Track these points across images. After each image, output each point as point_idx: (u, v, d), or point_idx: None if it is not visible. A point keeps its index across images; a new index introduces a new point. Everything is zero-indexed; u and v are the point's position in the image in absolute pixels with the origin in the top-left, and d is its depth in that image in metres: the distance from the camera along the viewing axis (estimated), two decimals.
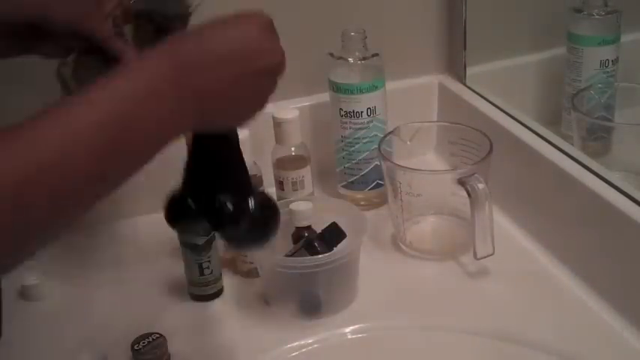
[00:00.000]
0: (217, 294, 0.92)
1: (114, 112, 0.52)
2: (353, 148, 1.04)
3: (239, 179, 0.64)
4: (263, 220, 0.64)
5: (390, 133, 1.01)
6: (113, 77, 0.54)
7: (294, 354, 0.83)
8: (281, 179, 0.99)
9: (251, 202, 0.63)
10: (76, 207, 0.53)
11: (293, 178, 0.98)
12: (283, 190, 0.99)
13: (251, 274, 0.94)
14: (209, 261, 0.90)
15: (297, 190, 0.98)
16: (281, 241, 0.90)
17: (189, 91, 0.56)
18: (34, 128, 0.50)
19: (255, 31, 0.61)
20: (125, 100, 0.53)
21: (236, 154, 0.64)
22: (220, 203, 0.61)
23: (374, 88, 1.01)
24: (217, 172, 0.62)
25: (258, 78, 0.61)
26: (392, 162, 0.95)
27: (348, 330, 0.86)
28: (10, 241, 0.49)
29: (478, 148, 0.94)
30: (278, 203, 0.68)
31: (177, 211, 0.63)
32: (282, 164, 0.98)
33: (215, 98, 0.58)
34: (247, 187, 0.65)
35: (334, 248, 0.87)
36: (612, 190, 0.85)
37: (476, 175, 0.89)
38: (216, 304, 0.92)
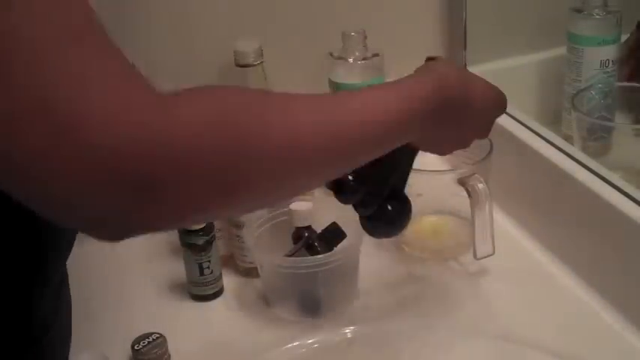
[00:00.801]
0: (217, 294, 0.92)
1: (399, 109, 0.62)
2: None
3: (400, 187, 0.77)
4: (400, 221, 0.78)
5: None
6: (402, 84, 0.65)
7: (294, 354, 0.83)
8: None
9: (400, 206, 0.77)
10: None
11: None
12: None
13: (251, 274, 0.94)
14: (209, 261, 0.90)
15: None
16: (281, 241, 0.90)
17: (437, 121, 0.66)
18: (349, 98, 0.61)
19: (495, 99, 0.74)
20: (405, 101, 0.63)
21: (409, 167, 0.76)
22: (384, 205, 0.75)
23: None
24: (389, 174, 0.74)
25: (481, 127, 0.74)
26: None
27: (348, 330, 0.86)
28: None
29: (478, 148, 0.94)
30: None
31: (341, 186, 0.72)
32: None
33: (444, 122, 0.67)
34: (401, 194, 0.77)
35: (334, 248, 0.87)
36: (612, 190, 0.85)
37: (476, 175, 0.89)
38: (216, 304, 0.92)
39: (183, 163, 0.47)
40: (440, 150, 0.75)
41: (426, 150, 0.74)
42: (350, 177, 0.71)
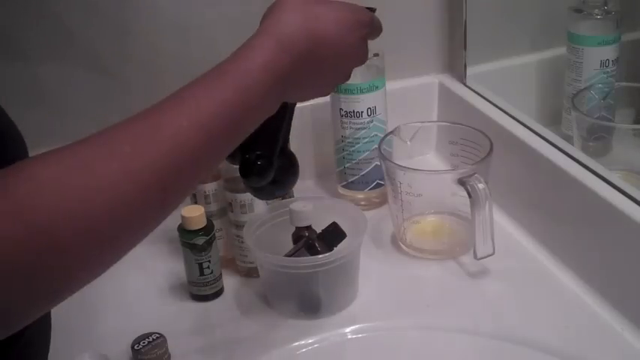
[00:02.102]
0: (217, 294, 0.92)
1: (239, 87, 0.59)
2: (353, 148, 1.04)
3: (274, 140, 0.72)
4: (283, 176, 0.73)
5: (390, 133, 1.01)
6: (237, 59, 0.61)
7: (294, 354, 0.83)
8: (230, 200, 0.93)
9: (276, 161, 0.71)
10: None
11: (242, 201, 0.92)
12: (232, 211, 0.93)
13: (251, 274, 0.94)
14: (209, 261, 0.90)
15: (245, 212, 0.92)
16: (281, 241, 0.90)
17: (287, 72, 0.62)
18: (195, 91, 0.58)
19: (355, 23, 0.68)
20: (244, 80, 0.60)
21: (284, 122, 0.72)
22: (252, 158, 0.70)
23: (374, 88, 1.01)
24: (264, 132, 0.67)
25: (352, 55, 0.70)
26: (392, 162, 0.95)
27: (348, 330, 0.86)
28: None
29: (478, 148, 0.94)
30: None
31: (231, 158, 0.70)
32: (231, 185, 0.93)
33: (303, 77, 0.64)
34: (277, 148, 0.72)
35: (334, 248, 0.87)
36: (612, 190, 0.85)
37: (476, 175, 0.89)
38: (216, 304, 0.92)
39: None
40: (315, 94, 0.71)
41: (301, 101, 0.71)
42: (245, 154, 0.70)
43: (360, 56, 0.71)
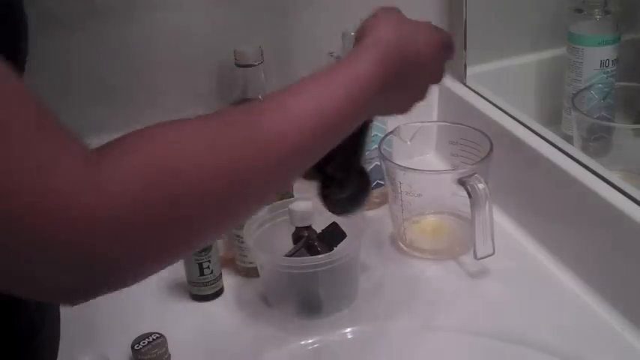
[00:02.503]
0: (217, 294, 0.92)
1: (351, 97, 0.62)
2: None
3: (353, 154, 0.74)
4: (363, 195, 0.75)
5: (390, 133, 1.01)
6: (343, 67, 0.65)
7: (294, 354, 0.83)
8: None
9: (361, 181, 0.75)
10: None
11: None
12: None
13: (251, 274, 0.94)
14: (209, 261, 0.90)
15: None
16: (281, 241, 0.90)
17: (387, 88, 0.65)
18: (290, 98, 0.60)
19: (438, 44, 0.72)
20: (360, 87, 0.63)
21: (363, 137, 0.74)
22: (330, 171, 0.72)
23: None
24: (343, 146, 0.69)
25: (422, 85, 0.73)
26: (392, 162, 0.95)
27: (348, 330, 0.86)
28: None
29: (478, 148, 0.94)
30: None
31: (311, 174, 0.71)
32: None
33: (392, 93, 0.67)
34: (356, 162, 0.75)
35: (334, 248, 0.87)
36: (612, 190, 0.85)
37: (476, 175, 0.89)
38: (216, 304, 0.92)
39: (121, 233, 0.48)
40: (395, 111, 0.74)
41: (381, 115, 0.75)
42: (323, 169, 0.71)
43: (437, 76, 0.74)
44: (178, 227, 0.51)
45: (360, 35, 0.70)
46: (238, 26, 1.04)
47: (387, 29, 0.68)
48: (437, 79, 0.74)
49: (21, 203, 0.45)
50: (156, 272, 0.57)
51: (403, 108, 0.74)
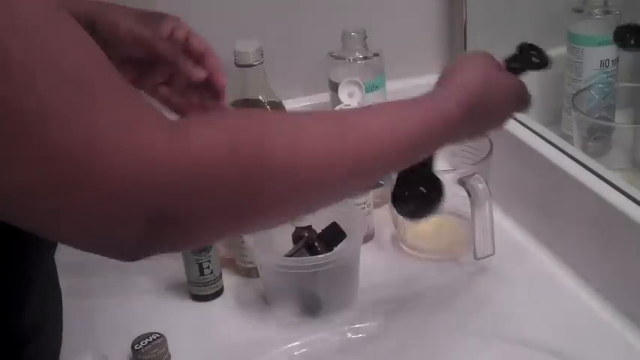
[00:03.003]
0: (217, 294, 0.92)
1: (425, 125, 0.65)
2: None
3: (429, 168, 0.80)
4: (438, 199, 0.80)
5: None
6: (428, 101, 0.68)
7: (294, 354, 0.83)
8: None
9: (434, 187, 0.80)
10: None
11: None
12: None
13: (251, 274, 0.94)
14: (209, 261, 0.90)
15: None
16: (281, 241, 0.90)
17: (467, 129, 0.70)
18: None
19: (516, 100, 0.77)
20: (435, 118, 0.66)
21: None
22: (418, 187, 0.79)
23: (374, 88, 1.01)
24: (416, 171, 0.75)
25: (493, 125, 0.77)
26: None
27: (348, 330, 0.86)
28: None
29: (478, 148, 0.94)
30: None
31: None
32: None
33: (466, 132, 0.72)
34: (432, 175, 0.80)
35: (334, 248, 0.87)
36: (612, 190, 0.85)
37: (476, 175, 0.89)
38: (216, 304, 0.92)
39: (197, 194, 0.50)
40: (486, 130, 0.79)
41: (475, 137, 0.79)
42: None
43: (505, 122, 0.78)
44: (250, 199, 0.53)
45: (450, 74, 0.72)
46: (238, 26, 1.04)
47: (475, 76, 0.71)
48: (501, 126, 0.78)
49: (105, 154, 0.46)
50: (216, 241, 0.64)
51: (495, 126, 0.78)
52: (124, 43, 0.78)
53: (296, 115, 0.60)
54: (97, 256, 0.97)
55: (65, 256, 1.01)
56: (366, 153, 0.59)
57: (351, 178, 0.60)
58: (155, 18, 0.81)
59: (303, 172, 0.55)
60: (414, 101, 0.66)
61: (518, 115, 1.01)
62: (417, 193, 0.79)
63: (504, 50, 1.12)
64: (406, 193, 0.79)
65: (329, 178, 0.57)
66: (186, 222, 0.50)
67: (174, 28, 0.80)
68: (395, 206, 0.82)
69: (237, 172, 0.51)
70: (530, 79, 1.15)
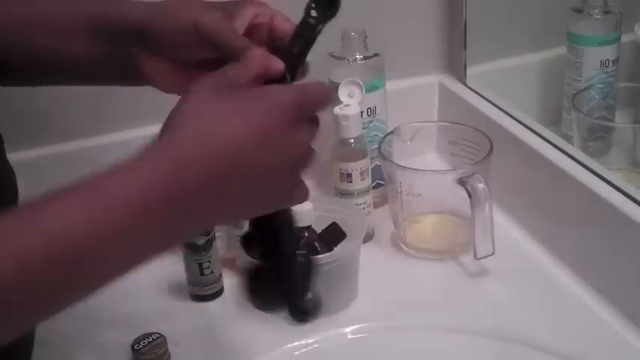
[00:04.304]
0: (217, 294, 0.92)
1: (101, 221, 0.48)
2: None
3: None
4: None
5: (390, 133, 1.01)
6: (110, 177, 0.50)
7: (294, 354, 0.83)
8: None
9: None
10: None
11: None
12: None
13: None
14: (209, 261, 0.90)
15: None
16: None
17: (184, 202, 0.51)
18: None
19: (265, 122, 0.53)
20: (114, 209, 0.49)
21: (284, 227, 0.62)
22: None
23: (374, 88, 1.01)
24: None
25: (271, 178, 0.55)
26: (392, 162, 0.95)
27: (348, 330, 0.86)
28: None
29: (478, 148, 0.94)
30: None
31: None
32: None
33: (223, 206, 0.54)
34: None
35: (334, 248, 0.87)
36: (612, 190, 0.85)
37: (476, 175, 0.89)
38: (216, 304, 0.92)
39: None
40: (257, 211, 0.58)
41: (224, 225, 0.63)
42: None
43: (301, 153, 0.57)
44: None
45: (179, 121, 0.53)
46: None
47: (188, 127, 0.52)
48: (303, 159, 0.57)
49: None
50: None
51: (266, 208, 0.58)
52: (190, 48, 0.63)
53: None
54: None
55: None
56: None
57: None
58: (231, 7, 0.65)
59: None
60: (95, 185, 0.49)
61: (518, 115, 1.02)
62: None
63: (504, 50, 1.12)
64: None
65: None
66: None
67: (255, 16, 0.65)
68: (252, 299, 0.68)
69: None
70: (531, 79, 1.16)
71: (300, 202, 0.59)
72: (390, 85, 1.05)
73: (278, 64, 0.58)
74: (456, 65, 1.15)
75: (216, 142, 0.52)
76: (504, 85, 1.12)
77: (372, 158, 1.02)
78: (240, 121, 0.52)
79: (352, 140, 0.96)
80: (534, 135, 0.97)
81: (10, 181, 0.71)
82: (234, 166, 0.52)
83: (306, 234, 0.88)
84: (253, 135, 0.52)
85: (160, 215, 0.50)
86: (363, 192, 0.97)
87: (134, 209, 0.49)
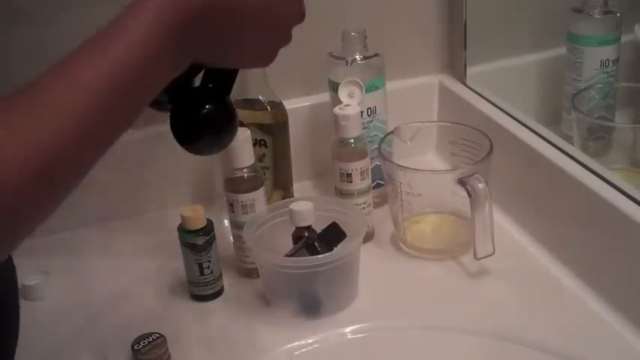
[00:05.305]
0: (217, 294, 0.92)
1: (119, 61, 0.53)
2: None
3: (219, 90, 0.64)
4: (214, 124, 0.64)
5: (390, 133, 1.01)
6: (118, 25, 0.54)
7: (294, 354, 0.83)
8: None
9: (207, 106, 0.63)
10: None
11: (243, 201, 0.91)
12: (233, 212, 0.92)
13: (251, 274, 0.94)
14: (209, 261, 0.90)
15: (246, 213, 0.91)
16: (281, 241, 0.90)
17: (189, 39, 0.56)
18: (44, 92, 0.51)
19: None
20: (134, 32, 0.54)
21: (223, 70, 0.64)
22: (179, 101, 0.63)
23: (374, 88, 1.01)
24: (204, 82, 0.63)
25: (268, 21, 0.61)
26: (392, 162, 0.95)
27: (348, 330, 0.86)
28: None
29: (478, 148, 0.94)
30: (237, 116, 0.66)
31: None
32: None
33: (211, 34, 0.58)
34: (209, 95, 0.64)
35: (334, 248, 0.87)
36: (612, 190, 0.85)
37: (476, 175, 0.89)
38: (216, 304, 0.92)
39: None
40: (246, 58, 0.64)
41: (221, 65, 0.63)
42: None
43: (293, 10, 0.63)
44: None
45: None
46: None
47: None
48: (295, 16, 0.64)
49: None
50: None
51: (258, 56, 0.64)
52: None
53: None
54: (98, 256, 0.97)
55: (66, 257, 1.01)
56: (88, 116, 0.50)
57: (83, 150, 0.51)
58: None
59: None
60: (107, 32, 0.54)
61: (518, 115, 1.02)
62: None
63: (504, 50, 1.12)
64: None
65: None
66: None
67: None
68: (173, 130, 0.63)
69: None
70: (531, 79, 1.16)
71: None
72: (390, 85, 1.05)
73: None
74: (456, 65, 1.16)
75: None
76: (504, 85, 1.12)
77: (372, 158, 1.02)
78: None
79: (352, 140, 0.96)
80: (534, 135, 0.97)
81: None
82: (238, 5, 0.58)
83: (306, 234, 0.88)
84: None
85: (161, 30, 0.54)
86: (363, 192, 0.97)
87: (144, 28, 0.54)
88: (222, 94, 0.64)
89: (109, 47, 0.53)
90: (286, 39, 0.65)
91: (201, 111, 0.62)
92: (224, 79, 0.64)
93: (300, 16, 0.64)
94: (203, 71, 0.63)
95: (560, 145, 0.94)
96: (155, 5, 0.54)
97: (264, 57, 0.65)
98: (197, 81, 0.64)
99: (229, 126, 0.64)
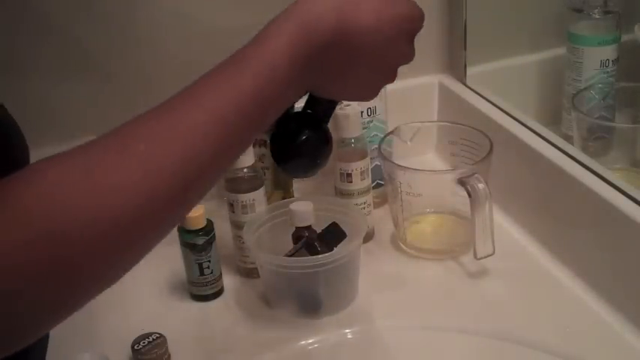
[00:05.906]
0: (217, 294, 0.92)
1: (250, 90, 0.55)
2: None
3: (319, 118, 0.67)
4: (311, 149, 0.66)
5: (390, 133, 1.01)
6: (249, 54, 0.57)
7: (294, 354, 0.83)
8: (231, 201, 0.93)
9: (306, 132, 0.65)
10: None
11: (243, 201, 0.92)
12: (233, 212, 0.93)
13: (251, 274, 0.94)
14: (209, 261, 0.90)
15: (246, 213, 0.92)
16: (281, 241, 0.90)
17: (312, 69, 0.58)
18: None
19: (395, 16, 0.61)
20: (265, 61, 0.56)
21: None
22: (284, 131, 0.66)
23: None
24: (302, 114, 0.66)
25: (380, 63, 0.63)
26: (392, 162, 0.95)
27: (348, 330, 0.86)
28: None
29: (478, 148, 0.94)
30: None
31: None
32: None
33: (331, 68, 0.60)
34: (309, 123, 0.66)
35: (334, 248, 0.87)
36: (612, 190, 0.85)
37: (476, 175, 0.89)
38: (216, 304, 0.92)
39: (7, 295, 0.45)
40: (353, 92, 0.66)
41: (336, 97, 0.65)
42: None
43: (405, 54, 0.64)
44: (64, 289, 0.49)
45: (284, 13, 0.60)
46: (241, 25, 1.04)
47: (326, 7, 0.58)
48: (404, 57, 0.64)
49: None
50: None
51: (363, 90, 0.66)
52: None
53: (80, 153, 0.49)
54: None
55: None
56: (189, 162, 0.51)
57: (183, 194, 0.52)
58: None
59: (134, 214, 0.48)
60: (236, 59, 0.56)
61: (518, 115, 1.02)
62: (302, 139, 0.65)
63: (504, 50, 1.12)
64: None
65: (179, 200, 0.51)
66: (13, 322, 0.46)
67: None
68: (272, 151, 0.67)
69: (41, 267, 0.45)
70: (531, 79, 1.16)
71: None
72: (390, 85, 1.05)
73: None
74: (456, 65, 1.15)
75: (353, 10, 0.58)
76: (504, 85, 1.12)
77: (372, 158, 1.02)
78: (378, 3, 0.60)
79: (352, 140, 0.96)
80: (534, 135, 0.97)
81: None
82: (359, 35, 0.59)
83: (306, 234, 0.88)
84: (385, 19, 0.60)
85: (291, 61, 0.56)
86: (363, 192, 0.97)
87: (276, 57, 0.56)
88: (321, 122, 0.66)
89: (237, 76, 0.55)
90: (392, 78, 0.66)
91: (300, 137, 0.64)
92: (325, 107, 0.66)
93: (411, 57, 0.65)
94: (307, 97, 0.65)
95: (560, 145, 0.94)
96: (286, 34, 0.57)
97: (369, 93, 0.67)
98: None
99: (324, 152, 0.66)
